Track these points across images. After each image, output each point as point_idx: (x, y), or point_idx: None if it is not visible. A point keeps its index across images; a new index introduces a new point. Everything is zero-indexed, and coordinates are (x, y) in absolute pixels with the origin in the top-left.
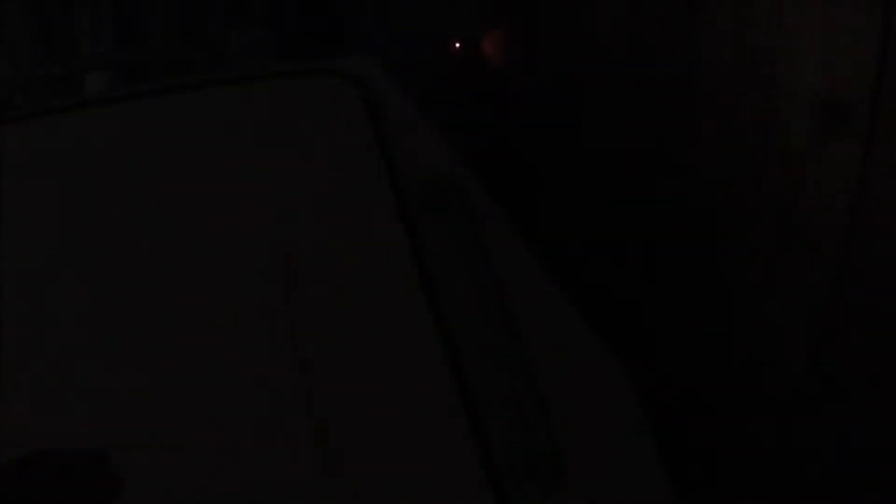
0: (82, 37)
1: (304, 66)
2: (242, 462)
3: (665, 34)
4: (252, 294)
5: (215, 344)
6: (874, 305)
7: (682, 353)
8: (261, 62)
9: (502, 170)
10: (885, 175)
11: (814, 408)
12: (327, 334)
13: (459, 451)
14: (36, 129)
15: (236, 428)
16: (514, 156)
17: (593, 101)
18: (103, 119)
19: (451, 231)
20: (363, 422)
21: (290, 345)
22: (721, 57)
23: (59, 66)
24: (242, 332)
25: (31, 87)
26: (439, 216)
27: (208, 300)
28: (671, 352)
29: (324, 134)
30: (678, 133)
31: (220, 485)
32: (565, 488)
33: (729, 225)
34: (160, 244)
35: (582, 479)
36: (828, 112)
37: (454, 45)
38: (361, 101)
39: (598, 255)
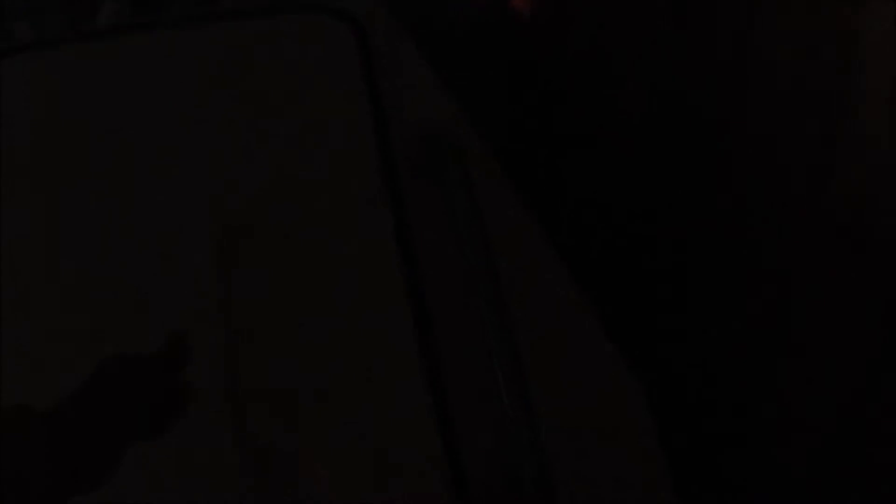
0: None
1: (300, 1)
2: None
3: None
4: (194, 248)
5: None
6: None
7: (709, 359)
8: None
9: (528, 134)
10: None
11: (858, 442)
12: (275, 304)
13: (426, 460)
14: (40, 60)
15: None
16: (542, 121)
17: (630, 68)
18: (101, 51)
19: (441, 196)
20: (305, 419)
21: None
22: (780, 29)
23: None
24: (177, 291)
25: (41, 15)
26: (429, 177)
27: (162, 237)
28: (698, 356)
29: (310, 77)
30: (726, 110)
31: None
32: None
33: (784, 221)
34: (139, 174)
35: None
36: None
37: None
38: (355, 42)
39: (626, 240)
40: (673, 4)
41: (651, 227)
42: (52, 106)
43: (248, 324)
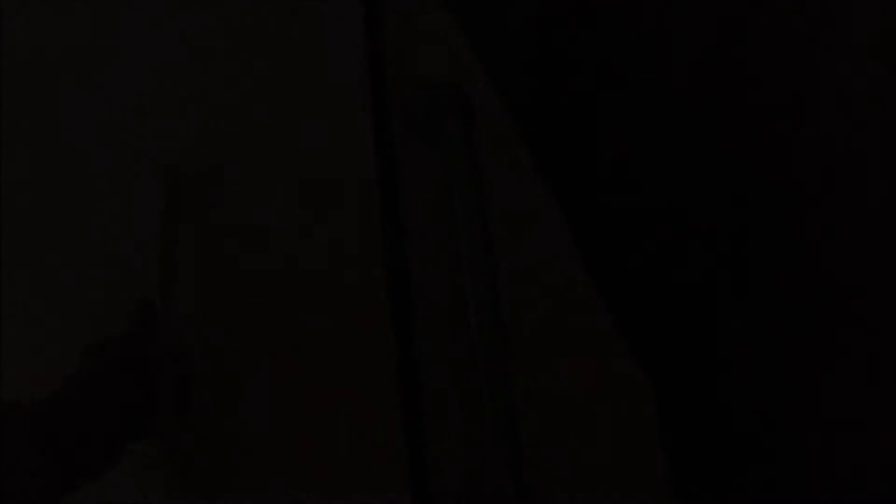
0: None
1: None
2: None
3: None
4: (145, 205)
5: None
6: None
7: (732, 360)
8: None
9: (554, 98)
10: None
11: None
12: (232, 277)
13: (389, 462)
14: None
15: None
16: (572, 90)
17: (678, 28)
18: None
19: (438, 159)
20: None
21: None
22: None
23: None
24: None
25: None
26: (427, 135)
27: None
28: (720, 357)
29: (308, 12)
30: (798, 94)
31: None
32: None
33: (851, 228)
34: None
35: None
36: None
37: None
38: None
39: (656, 229)
40: None
41: (690, 215)
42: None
43: (202, 298)
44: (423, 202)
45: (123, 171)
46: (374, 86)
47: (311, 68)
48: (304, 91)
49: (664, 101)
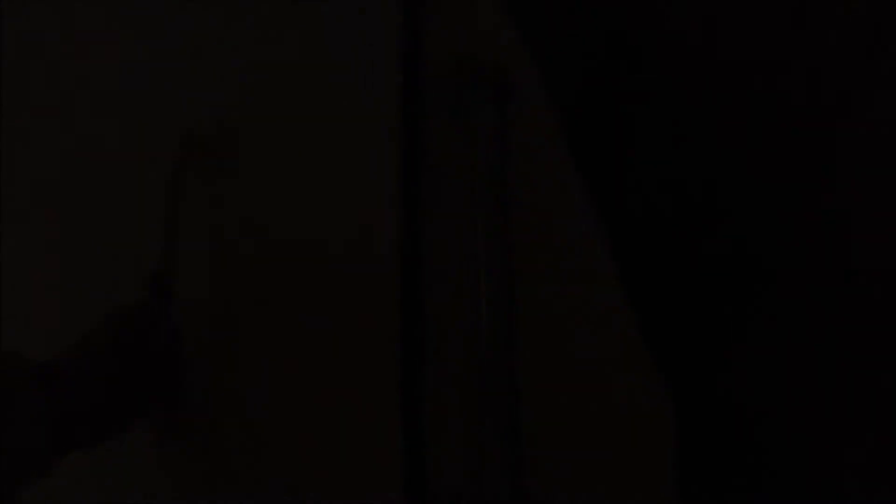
0: None
1: None
2: None
3: None
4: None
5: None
6: None
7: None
8: None
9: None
10: None
11: None
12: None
13: (384, 464)
14: None
15: None
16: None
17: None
18: None
19: (469, 143)
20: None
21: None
22: None
23: None
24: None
25: None
26: (458, 117)
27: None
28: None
29: None
30: (851, 93)
31: None
32: None
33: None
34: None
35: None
36: None
37: None
38: None
39: (691, 233)
40: None
41: (728, 220)
42: None
43: (205, 285)
44: (446, 189)
45: (138, 140)
46: (407, 65)
47: (340, 41)
48: (329, 66)
49: (707, 99)
